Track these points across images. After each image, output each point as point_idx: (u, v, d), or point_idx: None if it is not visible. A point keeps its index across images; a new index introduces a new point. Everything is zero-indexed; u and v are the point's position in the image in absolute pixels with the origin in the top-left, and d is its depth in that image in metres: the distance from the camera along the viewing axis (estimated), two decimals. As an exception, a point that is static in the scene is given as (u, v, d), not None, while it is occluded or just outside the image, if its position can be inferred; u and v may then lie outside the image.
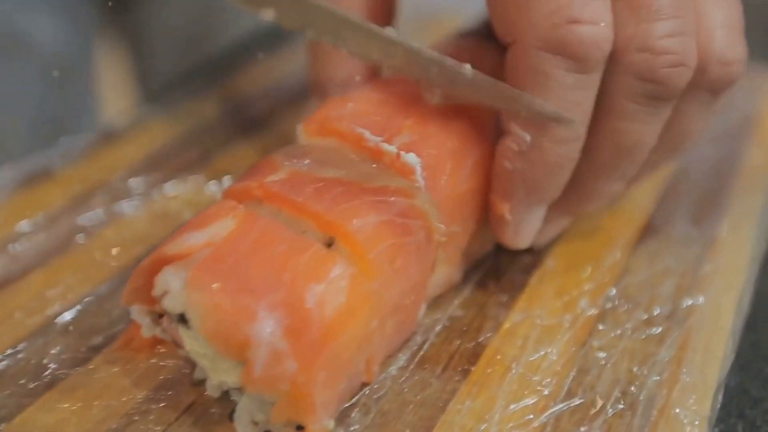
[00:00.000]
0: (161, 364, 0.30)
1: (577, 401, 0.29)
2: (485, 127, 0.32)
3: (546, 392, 0.29)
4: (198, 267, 0.24)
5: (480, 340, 0.32)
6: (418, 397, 0.29)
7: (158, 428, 0.27)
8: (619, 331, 0.32)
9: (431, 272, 0.30)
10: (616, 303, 0.34)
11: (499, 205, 0.32)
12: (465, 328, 0.32)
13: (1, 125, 0.55)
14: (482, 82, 0.30)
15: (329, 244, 0.26)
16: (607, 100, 0.30)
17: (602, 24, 0.28)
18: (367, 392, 0.29)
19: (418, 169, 0.30)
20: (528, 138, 0.30)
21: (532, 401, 0.29)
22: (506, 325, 0.32)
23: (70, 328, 0.31)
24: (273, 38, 0.58)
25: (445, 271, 0.33)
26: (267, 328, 0.23)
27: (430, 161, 0.30)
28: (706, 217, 0.40)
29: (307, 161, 0.28)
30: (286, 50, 0.56)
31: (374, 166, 0.29)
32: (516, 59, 0.30)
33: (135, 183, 0.41)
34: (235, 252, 0.25)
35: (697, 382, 0.30)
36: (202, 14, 0.67)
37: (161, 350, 0.30)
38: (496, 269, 0.36)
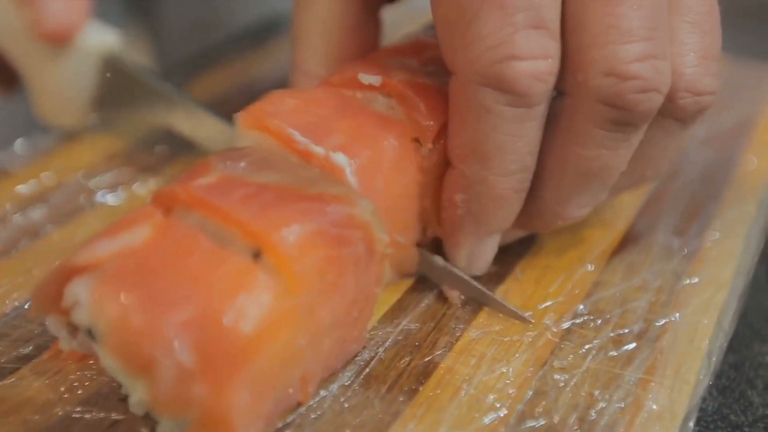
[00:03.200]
0: (91, 376, 0.28)
1: (529, 427, 0.27)
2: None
3: (497, 416, 0.27)
4: (105, 278, 0.22)
5: (432, 357, 0.30)
6: (358, 419, 0.27)
7: (75, 448, 0.26)
8: (583, 350, 0.30)
9: (378, 286, 0.28)
10: (584, 319, 0.31)
11: (449, 235, 0.31)
12: (418, 344, 0.30)
13: None
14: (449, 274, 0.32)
15: (257, 255, 0.24)
16: (572, 124, 0.29)
17: (546, 59, 0.27)
18: (303, 411, 0.27)
19: (348, 170, 0.28)
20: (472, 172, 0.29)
21: (480, 426, 0.27)
22: (462, 342, 0.30)
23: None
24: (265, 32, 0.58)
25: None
26: (174, 346, 0.22)
27: (363, 162, 0.28)
28: (690, 227, 0.37)
29: (242, 164, 0.26)
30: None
31: (317, 171, 0.27)
32: (457, 90, 0.28)
33: (97, 182, 0.40)
34: (146, 263, 0.23)
35: (664, 411, 0.27)
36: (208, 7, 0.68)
37: (92, 362, 0.29)
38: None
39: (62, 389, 0.28)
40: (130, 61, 0.40)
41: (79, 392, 0.28)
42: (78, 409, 0.27)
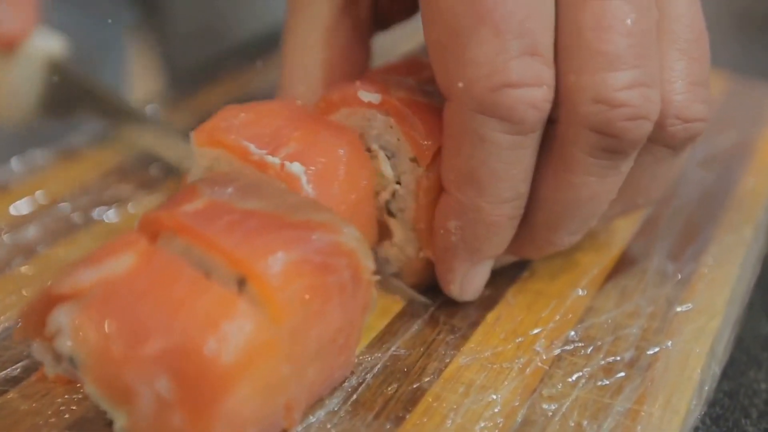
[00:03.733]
0: (78, 400, 0.28)
1: (515, 459, 0.26)
2: None
3: (483, 447, 0.27)
4: (86, 307, 0.22)
5: (420, 384, 0.29)
6: (343, 448, 0.27)
7: (59, 474, 0.26)
8: (573, 379, 0.30)
9: (365, 313, 0.28)
10: (575, 346, 0.31)
11: (442, 261, 0.31)
12: (406, 369, 0.30)
13: None
14: None
15: (241, 283, 0.24)
16: (562, 151, 0.28)
17: (540, 86, 0.27)
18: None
19: (303, 178, 0.29)
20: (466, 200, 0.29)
21: (466, 456, 0.26)
22: (451, 368, 0.30)
23: (-12, 357, 0.30)
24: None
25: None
26: (153, 376, 0.22)
27: (319, 169, 0.29)
28: (685, 251, 0.37)
29: (229, 189, 0.26)
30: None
31: (303, 197, 0.27)
32: (452, 117, 0.28)
33: (92, 199, 0.40)
34: (128, 292, 0.23)
35: (652, 442, 0.27)
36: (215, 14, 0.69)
37: (79, 386, 0.29)
38: (451, 302, 0.33)
39: (49, 413, 0.28)
40: (75, 67, 0.41)
41: (66, 416, 0.28)
42: (64, 434, 0.27)
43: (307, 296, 0.24)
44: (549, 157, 0.29)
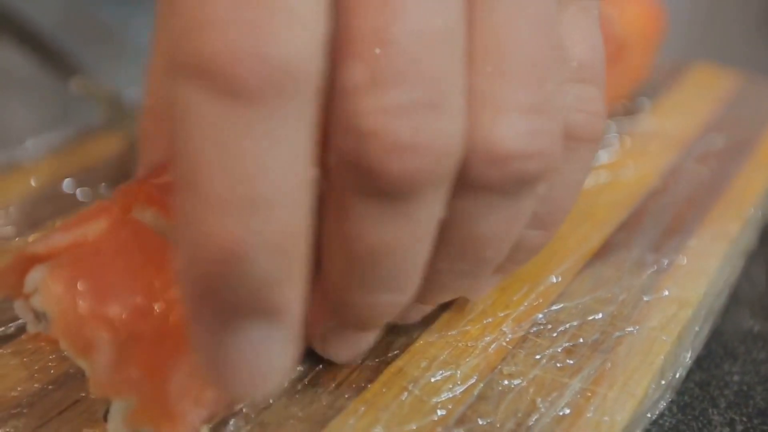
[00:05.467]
0: (63, 357, 0.30)
1: (464, 430, 0.27)
2: None
3: (436, 417, 0.28)
4: (56, 267, 0.24)
5: (385, 357, 0.31)
6: (303, 412, 0.28)
7: (36, 423, 0.27)
8: (535, 359, 0.31)
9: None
10: (541, 328, 0.32)
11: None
12: (374, 345, 0.31)
13: None
14: None
15: (205, 250, 0.26)
16: (330, 197, 0.22)
17: None
18: (252, 402, 0.28)
19: None
20: None
21: (417, 426, 0.28)
22: (418, 344, 0.31)
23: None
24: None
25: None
26: (112, 331, 0.23)
27: None
28: (667, 244, 0.37)
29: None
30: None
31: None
32: None
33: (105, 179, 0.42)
34: (96, 254, 0.25)
35: (602, 422, 0.28)
36: None
37: (63, 344, 0.31)
38: (427, 285, 0.35)
39: (36, 368, 0.30)
40: None
41: (51, 372, 0.30)
42: (49, 387, 0.29)
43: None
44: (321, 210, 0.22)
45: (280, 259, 0.18)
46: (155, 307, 0.24)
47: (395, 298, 0.24)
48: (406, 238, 0.22)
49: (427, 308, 0.31)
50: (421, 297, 0.26)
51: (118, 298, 0.24)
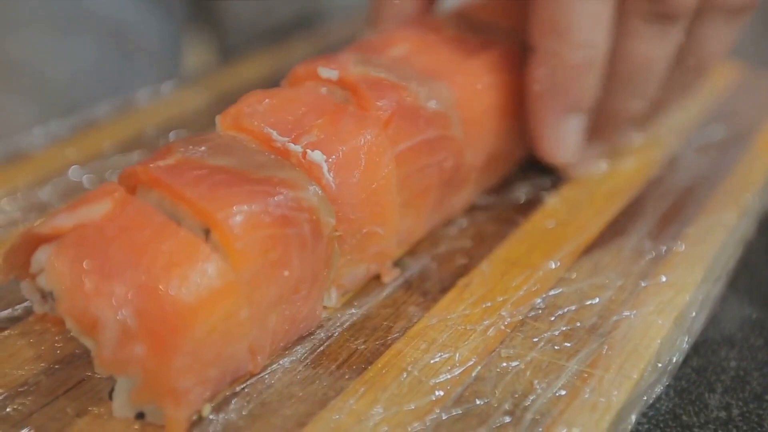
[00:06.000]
0: (69, 338, 0.31)
1: (462, 410, 0.28)
2: (407, 121, 0.32)
3: (434, 397, 0.28)
4: (63, 247, 0.25)
5: (385, 340, 0.31)
6: (304, 392, 0.29)
7: (43, 401, 0.28)
8: (532, 342, 0.31)
9: (327, 267, 0.30)
10: (539, 312, 0.32)
11: (533, 117, 0.37)
12: (376, 326, 0.32)
13: None
14: None
15: (207, 232, 0.26)
16: (623, 21, 0.35)
17: None
18: (254, 381, 0.29)
19: (324, 167, 0.29)
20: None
21: (416, 406, 0.28)
22: (417, 327, 0.32)
23: (-6, 298, 0.33)
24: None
25: (363, 266, 0.33)
26: (117, 309, 0.24)
27: (339, 158, 0.30)
28: (665, 231, 0.37)
29: (203, 148, 0.28)
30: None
31: (272, 156, 0.29)
32: None
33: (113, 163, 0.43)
34: (101, 234, 0.25)
35: (598, 403, 0.28)
36: None
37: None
38: (427, 270, 0.35)
39: (42, 348, 0.30)
40: None
41: (57, 352, 0.30)
42: (55, 366, 0.30)
43: (266, 245, 0.26)
44: (618, 28, 0.35)
45: (597, 77, 0.36)
46: (160, 286, 0.24)
47: (640, 105, 0.38)
48: (666, 53, 0.36)
49: (598, 160, 0.42)
50: (601, 132, 0.39)
51: (123, 276, 0.24)
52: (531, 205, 0.40)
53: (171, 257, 0.25)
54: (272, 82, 0.35)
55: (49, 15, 0.59)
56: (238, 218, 0.26)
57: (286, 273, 0.27)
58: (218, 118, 0.32)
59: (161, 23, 0.65)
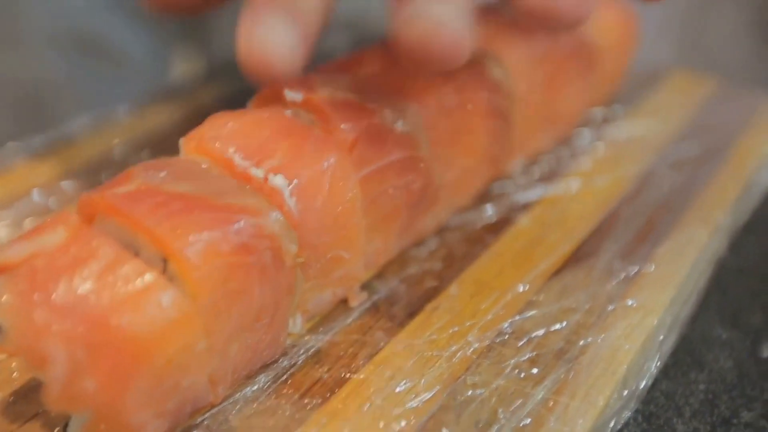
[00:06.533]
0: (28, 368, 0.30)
1: (426, 440, 0.28)
2: (374, 143, 0.32)
3: (398, 428, 0.28)
4: (11, 278, 0.24)
5: (350, 368, 0.31)
6: (265, 424, 0.28)
7: (-3, 434, 0.28)
8: (500, 367, 0.31)
9: (291, 294, 0.29)
10: (506, 338, 0.32)
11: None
12: (341, 353, 0.31)
13: None
14: None
15: (165, 262, 0.26)
16: None
17: None
18: (215, 412, 0.28)
19: (286, 192, 0.29)
20: None
21: (379, 437, 0.28)
22: (383, 354, 0.31)
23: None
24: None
25: (329, 290, 0.32)
26: (67, 344, 0.23)
27: (302, 183, 0.29)
28: (637, 250, 0.37)
29: (163, 173, 0.28)
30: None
31: (233, 182, 0.29)
32: None
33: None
34: (53, 265, 0.24)
35: (563, 431, 0.28)
36: None
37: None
38: (396, 293, 0.35)
39: (0, 379, 0.30)
40: None
41: (14, 383, 0.30)
42: (11, 398, 0.29)
43: (226, 274, 0.26)
44: None
45: None
46: (111, 319, 0.23)
47: None
48: None
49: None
50: None
51: (74, 309, 0.24)
52: (502, 224, 0.39)
53: (124, 289, 0.24)
54: (249, 94, 0.35)
55: (29, 29, 0.58)
56: (196, 247, 0.25)
57: (248, 302, 0.27)
58: (182, 142, 0.31)
59: (147, 39, 0.64)
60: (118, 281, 0.24)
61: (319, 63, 0.35)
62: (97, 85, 0.61)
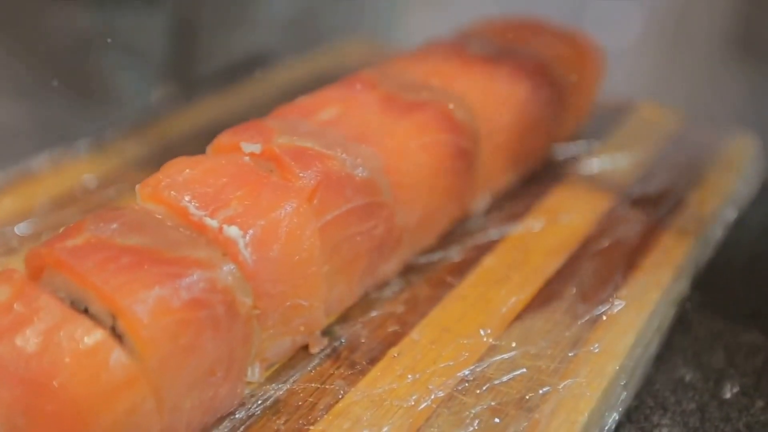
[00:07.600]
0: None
1: (383, 497, 0.27)
2: (334, 190, 0.32)
3: (355, 484, 0.28)
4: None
5: (308, 419, 0.30)
6: (219, 480, 0.28)
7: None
8: (459, 418, 0.30)
9: (247, 345, 0.29)
10: (467, 385, 0.32)
11: None
12: (300, 403, 0.31)
13: None
14: None
15: (115, 318, 0.25)
16: None
17: None
18: (168, 470, 0.28)
19: (241, 243, 0.28)
20: None
21: (335, 493, 0.27)
22: (342, 404, 0.31)
23: None
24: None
25: (288, 338, 0.32)
26: (4, 409, 0.23)
27: (257, 233, 0.29)
28: (599, 293, 0.37)
29: (114, 225, 0.27)
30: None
31: (187, 233, 0.28)
32: None
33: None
34: (-4, 326, 0.24)
35: (522, 484, 0.28)
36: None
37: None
38: (357, 338, 0.34)
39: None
40: None
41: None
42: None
43: (176, 330, 0.25)
44: None
45: None
46: (54, 381, 0.23)
47: None
48: None
49: None
50: None
51: (15, 372, 0.23)
52: (467, 264, 0.39)
53: (69, 348, 0.24)
54: (220, 128, 0.34)
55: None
56: (145, 304, 0.25)
57: (201, 356, 0.26)
58: (138, 188, 0.31)
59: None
60: (62, 341, 0.24)
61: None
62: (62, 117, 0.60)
